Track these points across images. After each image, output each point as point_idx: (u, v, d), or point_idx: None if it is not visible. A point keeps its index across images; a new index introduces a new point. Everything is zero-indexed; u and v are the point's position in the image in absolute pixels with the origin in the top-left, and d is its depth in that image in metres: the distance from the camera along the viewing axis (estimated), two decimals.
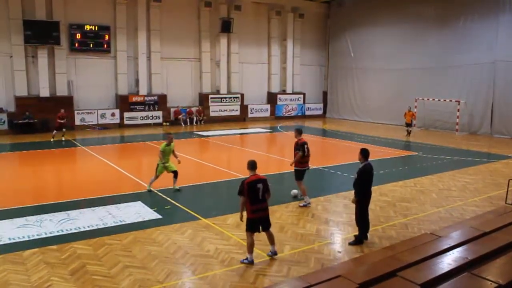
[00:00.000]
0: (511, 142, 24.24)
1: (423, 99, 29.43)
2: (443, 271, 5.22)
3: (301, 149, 11.77)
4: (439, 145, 22.62)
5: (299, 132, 12.07)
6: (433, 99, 28.87)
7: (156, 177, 12.99)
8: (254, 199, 7.92)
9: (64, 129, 22.80)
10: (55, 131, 22.58)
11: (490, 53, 26.21)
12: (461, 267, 5.34)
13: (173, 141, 13.12)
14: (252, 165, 8.22)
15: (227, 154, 20.61)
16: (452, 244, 6.49)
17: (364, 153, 9.13)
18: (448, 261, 5.56)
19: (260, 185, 7.97)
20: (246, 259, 8.05)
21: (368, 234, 9.23)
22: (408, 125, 26.27)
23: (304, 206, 11.64)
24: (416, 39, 30.40)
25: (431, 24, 29.54)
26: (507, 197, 11.68)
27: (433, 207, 11.81)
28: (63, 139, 22.72)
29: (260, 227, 8.09)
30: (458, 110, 27.40)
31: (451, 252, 6.00)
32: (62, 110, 23.12)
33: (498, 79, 26.07)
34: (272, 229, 8.36)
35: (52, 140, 22.30)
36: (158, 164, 12.94)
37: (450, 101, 27.87)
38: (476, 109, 27.36)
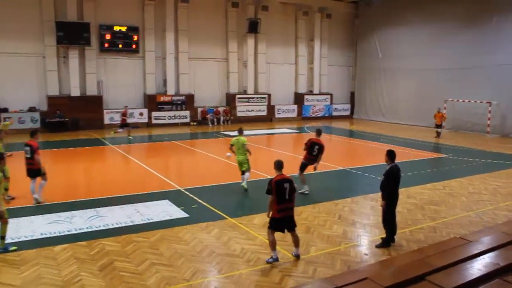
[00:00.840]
0: None
1: (452, 100, 28.89)
2: (473, 277, 5.12)
3: (306, 147, 12.90)
4: (469, 147, 22.17)
5: (318, 132, 13.14)
6: (463, 100, 28.30)
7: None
8: (281, 199, 7.96)
9: (129, 127, 23.84)
10: (120, 129, 23.60)
11: None
12: (492, 273, 5.23)
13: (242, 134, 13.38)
14: (279, 165, 8.32)
15: (253, 154, 20.55)
16: (483, 249, 6.37)
17: (391, 155, 9.03)
18: (478, 267, 5.45)
19: (287, 185, 8.01)
20: (271, 257, 8.06)
21: (395, 237, 9.12)
22: (438, 126, 25.85)
23: (302, 193, 12.40)
24: (446, 38, 29.83)
25: (461, 23, 28.94)
26: None
27: (463, 210, 11.58)
28: (131, 137, 23.48)
29: (286, 228, 8.12)
30: (490, 112, 26.80)
31: (481, 257, 5.89)
32: (126, 107, 24.47)
33: None
34: (298, 230, 8.35)
35: (113, 133, 23.88)
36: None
37: (481, 102, 27.27)
38: (509, 110, 26.67)
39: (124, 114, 23.86)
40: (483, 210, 11.61)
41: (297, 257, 8.24)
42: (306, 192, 12.65)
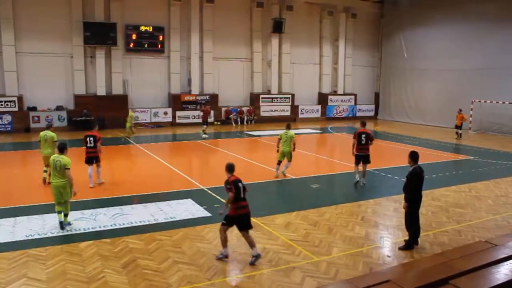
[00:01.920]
0: None
1: (479, 101, 28.35)
2: (500, 282, 5.02)
3: (356, 137, 13.89)
4: (496, 150, 21.73)
5: (363, 124, 14.47)
6: (491, 101, 27.74)
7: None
8: (238, 197, 8.10)
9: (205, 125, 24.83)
10: (204, 126, 24.63)
11: None
12: None
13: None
14: (230, 168, 8.45)
15: (276, 155, 20.62)
16: (510, 253, 6.23)
17: (413, 156, 8.93)
18: (505, 272, 5.34)
19: (241, 184, 8.25)
20: (221, 254, 8.19)
21: (418, 239, 9.00)
22: (458, 127, 25.47)
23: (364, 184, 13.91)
24: (473, 38, 29.29)
25: (490, 23, 28.34)
26: None
27: (488, 214, 11.36)
28: (206, 135, 24.45)
29: (238, 226, 8.16)
30: None
31: (508, 262, 5.77)
32: (208, 106, 25.87)
33: None
34: (321, 230, 8.33)
35: (203, 133, 24.50)
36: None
37: (510, 103, 26.67)
38: None
39: (206, 112, 24.81)
40: (510, 214, 11.37)
41: (258, 257, 8.08)
42: (364, 182, 13.98)
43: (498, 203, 12.34)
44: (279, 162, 14.79)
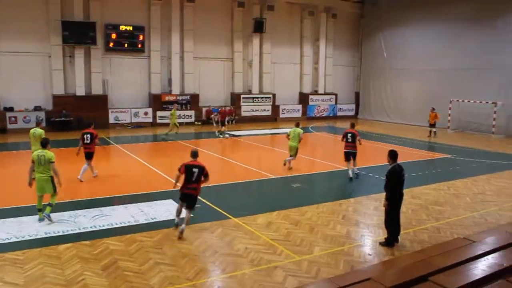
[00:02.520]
0: None
1: (458, 100, 28.79)
2: (477, 277, 5.11)
3: (342, 138, 15.58)
4: (474, 148, 22.09)
5: (352, 125, 16.19)
6: (469, 101, 28.20)
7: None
8: (189, 179, 9.50)
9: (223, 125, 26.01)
10: (222, 126, 25.62)
11: None
12: (496, 274, 5.21)
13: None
14: (194, 154, 9.99)
15: (257, 154, 20.65)
16: (487, 249, 6.34)
17: (392, 155, 9.06)
18: (482, 267, 5.43)
19: (196, 170, 9.53)
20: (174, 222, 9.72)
21: (399, 237, 9.10)
22: (432, 126, 26.07)
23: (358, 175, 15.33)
24: (452, 39, 29.76)
25: (467, 24, 28.83)
26: None
27: (467, 211, 11.54)
28: (226, 135, 25.14)
29: (186, 202, 9.54)
30: (495, 112, 26.69)
31: (485, 258, 5.86)
32: (228, 108, 27.94)
33: None
34: (302, 230, 8.38)
35: (218, 134, 25.50)
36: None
37: (487, 102, 27.15)
38: None
39: (225, 113, 25.80)
40: (487, 211, 11.57)
41: (181, 232, 9.19)
42: (357, 172, 15.46)
43: (475, 201, 12.55)
44: (291, 155, 16.36)
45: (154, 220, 10.29)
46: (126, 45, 28.47)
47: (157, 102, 29.48)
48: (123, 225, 9.93)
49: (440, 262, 5.90)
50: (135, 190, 12.95)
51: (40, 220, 9.90)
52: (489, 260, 5.73)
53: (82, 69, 27.07)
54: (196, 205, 11.32)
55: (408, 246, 8.98)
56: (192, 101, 30.64)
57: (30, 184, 9.99)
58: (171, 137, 23.88)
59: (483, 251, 6.25)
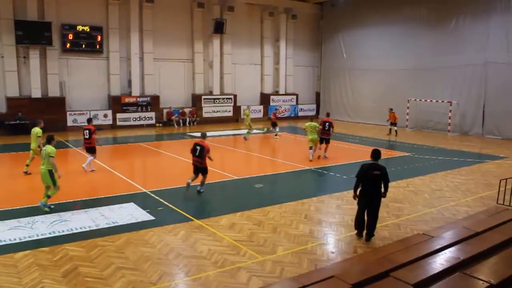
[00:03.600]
0: (502, 142, 24.37)
1: (415, 100, 29.57)
2: (436, 271, 5.24)
3: (320, 124, 18.38)
4: (431, 146, 22.73)
5: (327, 114, 20.27)
6: (425, 100, 29.01)
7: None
8: (194, 155, 12.73)
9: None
10: (273, 128, 25.76)
11: (482, 54, 26.35)
12: (454, 267, 5.36)
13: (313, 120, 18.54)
14: (202, 135, 13.32)
15: (219, 155, 20.56)
16: (445, 244, 6.53)
17: (371, 153, 9.49)
18: (440, 261, 5.58)
19: (198, 147, 12.62)
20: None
21: (363, 233, 9.27)
22: (393, 124, 27.00)
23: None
24: (409, 39, 30.54)
25: (423, 25, 29.68)
26: (498, 197, 11.77)
27: (425, 207, 11.86)
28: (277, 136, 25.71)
29: (196, 172, 12.71)
30: (450, 111, 27.55)
31: (443, 252, 6.03)
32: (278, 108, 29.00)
33: (490, 80, 26.24)
34: (265, 230, 8.42)
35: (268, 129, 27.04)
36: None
37: (442, 101, 28.01)
38: (468, 110, 27.53)
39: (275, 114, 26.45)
40: (444, 207, 11.92)
41: (198, 192, 12.70)
42: (326, 156, 18.65)
43: (433, 197, 12.91)
44: (311, 147, 18.10)
45: (116, 224, 10.09)
46: (83, 45, 27.78)
47: (116, 104, 28.95)
48: (83, 230, 9.69)
49: (400, 257, 6.03)
50: (95, 194, 12.68)
51: (42, 206, 10.86)
52: (447, 254, 5.90)
53: (38, 70, 26.24)
54: (158, 208, 11.26)
55: (370, 243, 9.14)
56: (153, 103, 30.26)
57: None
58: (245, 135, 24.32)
59: (441, 246, 6.43)
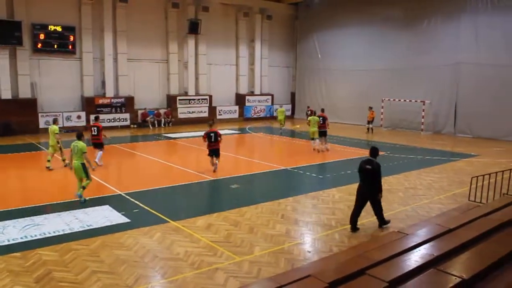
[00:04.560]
0: (474, 141, 24.90)
1: (389, 99, 29.97)
2: (410, 268, 5.30)
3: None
4: (405, 145, 23.06)
5: (322, 110, 22.16)
6: (399, 100, 29.44)
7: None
8: (209, 141, 15.69)
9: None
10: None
11: (453, 54, 26.86)
12: (427, 264, 5.43)
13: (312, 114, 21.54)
14: (210, 124, 16.34)
15: (195, 156, 20.47)
16: (419, 241, 6.61)
17: (370, 150, 10.03)
18: (415, 258, 5.65)
19: (212, 134, 15.64)
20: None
21: (357, 226, 9.88)
22: (370, 122, 27.87)
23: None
24: (383, 40, 30.93)
25: (397, 26, 30.09)
26: (470, 194, 12.01)
27: (400, 205, 12.02)
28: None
29: (212, 156, 15.78)
30: (423, 111, 28.01)
31: (418, 249, 6.10)
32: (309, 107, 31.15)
33: (461, 80, 26.76)
34: (241, 230, 8.41)
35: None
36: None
37: (416, 101, 28.47)
38: (441, 109, 28.03)
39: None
40: (418, 204, 12.11)
41: (215, 168, 15.81)
42: (328, 149, 20.72)
43: (408, 195, 13.10)
44: (313, 138, 20.49)
45: (91, 227, 9.93)
46: (55, 46, 27.27)
47: (90, 105, 28.51)
48: (57, 234, 9.51)
49: (376, 255, 6.08)
50: (69, 197, 12.41)
51: (79, 197, 11.87)
52: (421, 251, 5.97)
53: (7, 71, 25.61)
54: (134, 210, 11.17)
55: (346, 242, 9.22)
56: (127, 104, 29.93)
57: (71, 168, 12.29)
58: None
59: (415, 243, 6.51)
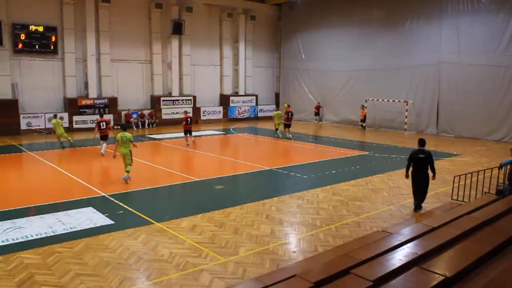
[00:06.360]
0: (456, 140, 25.20)
1: (372, 100, 30.20)
2: (395, 267, 5.34)
3: (285, 114, 24.70)
4: (389, 145, 23.25)
5: (288, 105, 25.45)
6: (383, 100, 29.68)
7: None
8: (186, 123, 20.66)
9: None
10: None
11: (435, 55, 27.15)
12: (411, 262, 5.48)
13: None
14: (185, 112, 21.77)
15: (179, 157, 20.40)
16: (403, 240, 6.66)
17: (419, 141, 11.71)
18: (399, 257, 5.69)
19: (189, 119, 20.72)
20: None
21: (422, 204, 11.48)
22: (362, 121, 28.44)
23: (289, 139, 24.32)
24: (366, 41, 31.14)
25: (380, 27, 30.32)
26: (452, 193, 12.16)
27: (384, 205, 12.12)
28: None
29: (187, 134, 21.13)
30: (406, 110, 28.26)
31: (402, 248, 6.15)
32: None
33: (443, 80, 27.07)
34: (226, 231, 8.40)
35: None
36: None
37: (399, 101, 28.72)
38: (423, 109, 28.31)
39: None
40: (402, 203, 12.22)
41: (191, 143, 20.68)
42: (289, 136, 24.68)
43: (391, 194, 13.21)
44: (277, 129, 25.43)
45: (74, 230, 9.82)
46: (37, 46, 26.89)
47: (73, 106, 28.19)
48: (39, 236, 9.38)
49: (361, 255, 6.11)
50: (51, 199, 12.28)
51: (127, 179, 14.17)
52: (405, 249, 6.02)
53: None
54: (118, 212, 11.09)
55: (331, 242, 9.26)
56: (111, 105, 29.65)
57: (114, 156, 15.00)
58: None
59: (399, 242, 6.56)
